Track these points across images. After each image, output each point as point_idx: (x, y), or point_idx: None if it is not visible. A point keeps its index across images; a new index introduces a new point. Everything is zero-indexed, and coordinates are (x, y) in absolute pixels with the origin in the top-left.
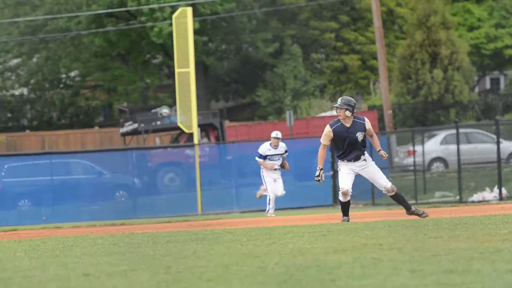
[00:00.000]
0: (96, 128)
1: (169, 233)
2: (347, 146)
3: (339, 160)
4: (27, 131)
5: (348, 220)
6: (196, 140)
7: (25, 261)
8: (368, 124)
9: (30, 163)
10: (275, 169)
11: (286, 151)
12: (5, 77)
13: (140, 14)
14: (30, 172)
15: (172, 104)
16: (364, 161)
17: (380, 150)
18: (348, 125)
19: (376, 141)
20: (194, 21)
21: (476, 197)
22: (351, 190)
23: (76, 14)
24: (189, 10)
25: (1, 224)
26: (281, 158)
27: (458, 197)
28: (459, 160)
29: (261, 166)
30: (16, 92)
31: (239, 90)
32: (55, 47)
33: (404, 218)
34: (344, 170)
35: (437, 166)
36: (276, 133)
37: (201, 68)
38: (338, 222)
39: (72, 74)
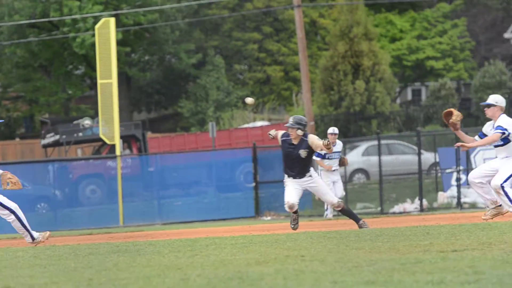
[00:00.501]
0: (17, 139)
1: (90, 245)
2: (289, 161)
3: (285, 176)
4: None
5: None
6: (118, 151)
7: None
8: (310, 140)
9: None
10: (334, 170)
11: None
12: None
13: (62, 24)
14: None
15: (94, 116)
16: (310, 177)
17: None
18: (295, 143)
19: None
20: (117, 32)
21: (397, 208)
22: (296, 202)
23: None
24: (112, 20)
25: None
26: (339, 157)
27: (379, 209)
28: (380, 171)
29: (319, 168)
30: None
31: (162, 101)
32: None
33: (326, 230)
34: (290, 185)
35: (359, 178)
36: (332, 129)
37: (124, 79)
38: (260, 234)
39: None
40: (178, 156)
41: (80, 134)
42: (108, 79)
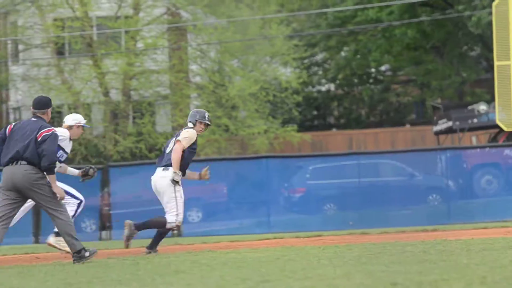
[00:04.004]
0: (408, 126)
1: (484, 240)
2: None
3: None
4: (334, 130)
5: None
6: None
7: (330, 269)
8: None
9: (336, 164)
10: None
11: None
12: (311, 72)
13: (457, 2)
14: (336, 174)
15: (490, 100)
16: None
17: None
18: None
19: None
20: None
21: None
22: None
23: (388, 4)
24: None
25: (305, 228)
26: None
27: None
28: None
29: None
30: (323, 88)
31: None
32: (365, 40)
33: None
34: None
35: None
36: None
37: None
38: None
39: (383, 68)
40: None
41: (475, 120)
42: (505, 61)
